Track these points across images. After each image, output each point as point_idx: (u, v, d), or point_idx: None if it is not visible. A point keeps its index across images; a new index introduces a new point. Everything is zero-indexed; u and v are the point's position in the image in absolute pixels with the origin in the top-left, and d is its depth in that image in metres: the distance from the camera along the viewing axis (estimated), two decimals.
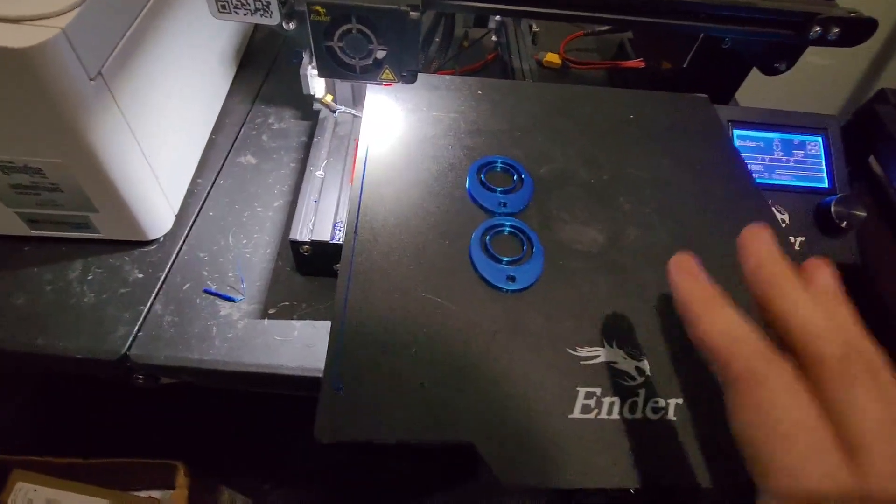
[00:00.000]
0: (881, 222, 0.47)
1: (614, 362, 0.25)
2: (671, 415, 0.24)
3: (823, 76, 0.84)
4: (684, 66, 0.46)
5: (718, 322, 0.19)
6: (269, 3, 0.34)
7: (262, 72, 0.57)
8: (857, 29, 0.37)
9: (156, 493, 0.72)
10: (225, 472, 0.85)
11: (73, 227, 0.38)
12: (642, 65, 0.56)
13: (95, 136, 0.32)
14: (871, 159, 0.48)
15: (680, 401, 0.24)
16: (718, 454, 0.23)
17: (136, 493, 0.71)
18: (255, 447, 0.84)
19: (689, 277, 0.21)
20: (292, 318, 0.38)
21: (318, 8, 0.30)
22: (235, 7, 0.35)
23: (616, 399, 0.24)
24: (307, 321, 0.38)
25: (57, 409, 0.75)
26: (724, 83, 0.47)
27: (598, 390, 0.24)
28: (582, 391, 0.24)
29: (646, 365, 0.25)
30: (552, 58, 0.62)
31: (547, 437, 0.23)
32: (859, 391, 0.16)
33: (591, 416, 0.23)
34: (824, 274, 0.21)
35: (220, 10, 0.35)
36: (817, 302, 0.19)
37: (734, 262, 0.31)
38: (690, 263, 0.22)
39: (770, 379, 0.17)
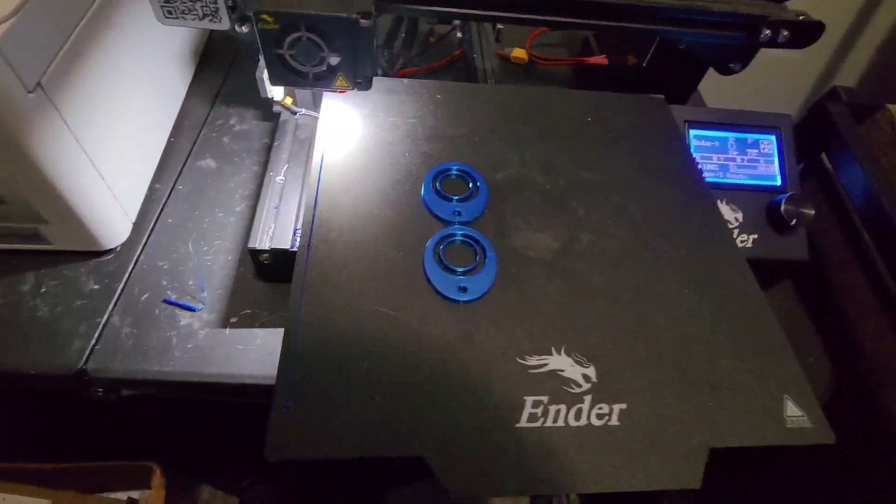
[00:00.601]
0: (832, 217, 0.49)
1: (561, 370, 0.26)
2: (615, 420, 0.25)
3: (790, 70, 0.85)
4: (644, 65, 0.47)
5: None
6: (217, 9, 0.34)
7: (223, 71, 0.56)
8: (805, 31, 0.38)
9: (134, 494, 0.71)
10: (205, 471, 0.85)
11: (23, 238, 0.37)
12: (605, 61, 0.56)
13: (38, 148, 0.31)
14: (823, 156, 0.50)
15: (624, 406, 0.25)
16: (661, 457, 0.24)
17: (111, 496, 0.70)
18: (233, 444, 0.84)
19: None
20: (254, 326, 0.38)
21: (265, 16, 0.29)
22: (183, 13, 0.34)
23: (562, 406, 0.25)
24: (269, 329, 0.38)
25: (27, 416, 0.74)
26: (683, 81, 0.48)
27: (545, 398, 0.25)
28: (529, 400, 0.25)
29: (592, 372, 0.26)
30: (519, 53, 0.62)
31: (494, 448, 0.23)
32: None
33: (538, 424, 0.24)
34: None
35: (167, 15, 0.34)
36: None
37: (683, 264, 0.32)
38: None
39: None
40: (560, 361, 0.26)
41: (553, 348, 0.27)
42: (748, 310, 0.30)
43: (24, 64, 0.28)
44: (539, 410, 0.25)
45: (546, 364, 0.26)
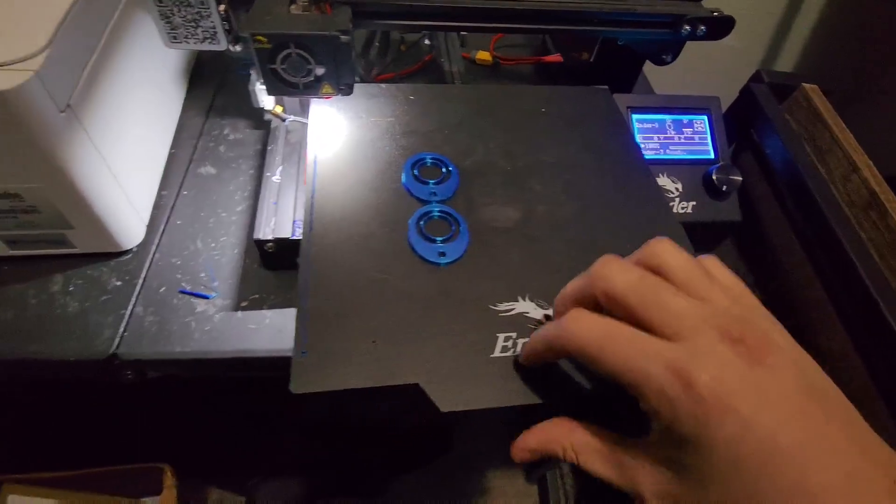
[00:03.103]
0: (763, 184, 0.56)
1: (526, 312, 0.32)
2: None
3: (735, 56, 0.94)
4: (591, 60, 0.53)
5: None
6: (216, 32, 0.39)
7: (213, 85, 0.61)
8: (719, 25, 0.45)
9: (147, 499, 0.75)
10: (211, 471, 0.88)
11: (51, 243, 0.42)
12: (560, 59, 0.63)
13: (68, 161, 0.36)
14: (753, 131, 0.57)
15: None
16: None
17: (126, 499, 0.74)
18: (239, 443, 0.87)
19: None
20: (263, 308, 0.43)
21: (260, 38, 0.35)
22: (186, 37, 0.39)
23: (527, 339, 0.30)
24: (277, 310, 0.43)
25: (36, 423, 0.77)
26: (626, 73, 0.54)
27: (513, 334, 0.31)
28: (501, 336, 0.30)
29: (551, 312, 0.32)
30: (484, 56, 0.68)
31: (474, 373, 0.29)
32: None
33: (509, 353, 0.30)
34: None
35: (172, 40, 0.39)
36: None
37: (623, 225, 0.38)
38: None
39: None
40: (525, 306, 0.32)
41: (518, 296, 0.33)
42: None
43: (57, 87, 0.33)
44: (509, 343, 0.30)
45: (513, 308, 0.32)
